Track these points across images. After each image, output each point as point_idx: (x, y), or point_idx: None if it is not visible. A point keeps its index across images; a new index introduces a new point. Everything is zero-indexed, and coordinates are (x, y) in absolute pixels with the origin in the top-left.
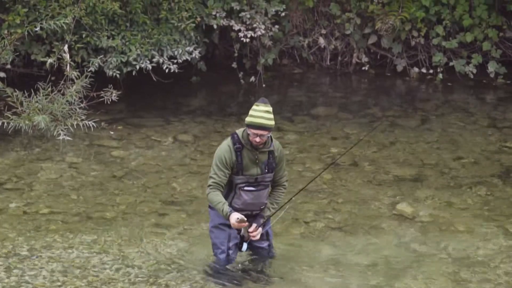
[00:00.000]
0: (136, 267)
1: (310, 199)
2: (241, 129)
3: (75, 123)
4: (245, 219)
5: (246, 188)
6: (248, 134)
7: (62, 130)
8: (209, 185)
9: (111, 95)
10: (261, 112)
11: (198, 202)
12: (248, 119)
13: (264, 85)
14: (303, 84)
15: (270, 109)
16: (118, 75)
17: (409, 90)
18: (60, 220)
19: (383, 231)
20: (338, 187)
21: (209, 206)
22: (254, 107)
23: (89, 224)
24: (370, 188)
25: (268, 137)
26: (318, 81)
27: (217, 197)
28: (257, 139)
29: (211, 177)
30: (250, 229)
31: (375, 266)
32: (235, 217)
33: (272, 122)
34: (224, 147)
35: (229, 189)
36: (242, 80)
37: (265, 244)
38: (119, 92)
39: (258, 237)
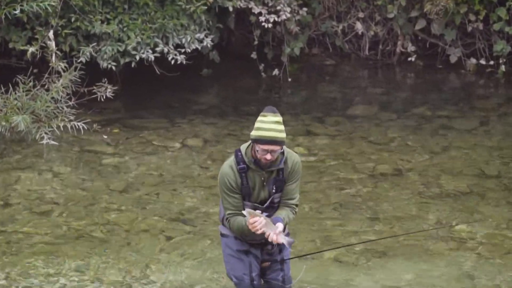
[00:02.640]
0: None
1: (344, 216)
2: (245, 145)
3: (61, 124)
4: (255, 212)
5: None
6: (256, 151)
7: (46, 133)
8: (227, 218)
9: (106, 91)
10: (270, 124)
11: (211, 220)
12: (254, 133)
13: (289, 79)
14: (336, 78)
15: (280, 119)
16: (114, 67)
17: (465, 86)
18: (42, 241)
19: (435, 257)
20: (379, 202)
21: (221, 235)
22: (261, 117)
23: (78, 247)
24: (418, 204)
25: (279, 152)
26: (354, 74)
27: (238, 221)
28: (268, 157)
29: (225, 208)
30: (251, 220)
31: None
32: (248, 219)
33: (284, 135)
34: (226, 170)
35: None
36: (263, 74)
37: (279, 276)
38: (115, 88)
39: (278, 239)
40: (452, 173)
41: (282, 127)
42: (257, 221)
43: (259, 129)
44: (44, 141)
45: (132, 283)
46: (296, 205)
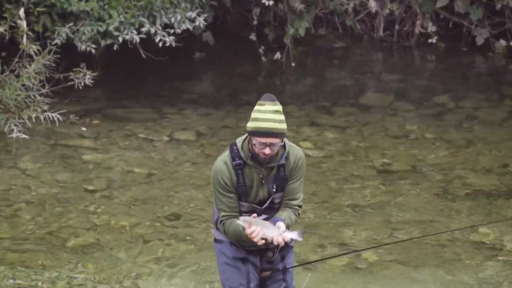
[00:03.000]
0: None
1: (357, 219)
2: (242, 138)
3: (33, 115)
4: (251, 219)
5: None
6: (254, 145)
7: (15, 125)
8: (221, 221)
9: (84, 77)
10: (268, 113)
11: (204, 222)
12: (251, 124)
13: (293, 64)
14: (346, 62)
15: (280, 108)
16: (93, 50)
17: (493, 71)
18: (13, 249)
19: (458, 265)
20: (395, 203)
21: (215, 240)
22: (258, 107)
23: (55, 255)
24: (439, 205)
25: (280, 146)
26: (367, 58)
27: (234, 224)
28: (266, 151)
29: (219, 209)
30: (248, 231)
31: None
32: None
33: (285, 126)
34: (220, 166)
35: None
36: (263, 57)
37: (281, 287)
38: (95, 74)
39: (285, 237)
40: (477, 170)
41: (282, 117)
42: (254, 231)
43: (256, 120)
44: (14, 134)
45: None
46: (300, 206)
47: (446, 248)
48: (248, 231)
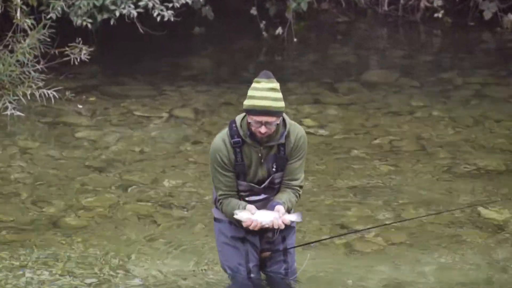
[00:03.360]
0: None
1: (360, 200)
2: (241, 115)
3: (28, 92)
4: (247, 212)
5: (250, 198)
6: (249, 123)
7: (10, 102)
8: (218, 200)
9: (80, 53)
10: (264, 91)
11: (203, 203)
12: (247, 102)
13: (295, 40)
14: (350, 37)
15: (276, 85)
16: (89, 25)
17: (502, 46)
18: (6, 228)
19: (465, 245)
20: (400, 183)
21: (214, 219)
22: (254, 84)
23: (48, 235)
24: (445, 185)
25: (278, 124)
26: (371, 33)
27: (232, 204)
28: (262, 129)
29: (217, 188)
30: (244, 225)
31: None
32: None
33: (281, 104)
34: (218, 144)
35: None
36: (264, 33)
37: (282, 268)
38: (92, 49)
39: (285, 220)
40: (485, 149)
41: (278, 94)
42: (252, 225)
43: (251, 97)
44: (8, 112)
45: (110, 278)
46: (300, 187)
47: (452, 228)
48: (244, 225)
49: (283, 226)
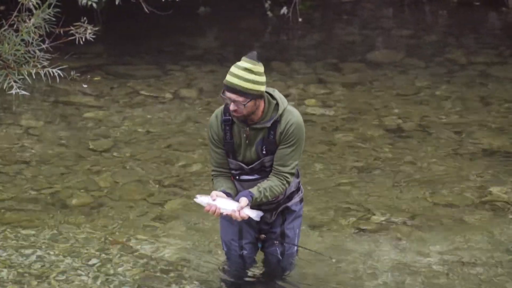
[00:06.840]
0: (120, 275)
1: (364, 181)
2: None
3: (33, 71)
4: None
5: (242, 177)
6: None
7: (15, 82)
8: (212, 175)
9: (85, 32)
10: (239, 69)
11: (207, 183)
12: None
13: (300, 20)
14: (355, 17)
15: (254, 67)
16: (94, 4)
17: (506, 26)
18: (12, 208)
19: (470, 226)
20: (404, 163)
21: None
22: (237, 62)
23: (54, 214)
24: (450, 166)
25: (267, 107)
26: (376, 13)
27: (216, 185)
28: (232, 107)
29: (210, 163)
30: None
31: (460, 275)
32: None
33: (251, 86)
34: (211, 119)
35: None
36: (269, 13)
37: (277, 251)
38: (97, 29)
39: (242, 214)
40: (490, 129)
41: (251, 76)
42: (210, 209)
43: (228, 73)
44: (13, 91)
45: (114, 257)
46: (291, 174)
47: (458, 209)
48: (204, 210)
49: (239, 219)
